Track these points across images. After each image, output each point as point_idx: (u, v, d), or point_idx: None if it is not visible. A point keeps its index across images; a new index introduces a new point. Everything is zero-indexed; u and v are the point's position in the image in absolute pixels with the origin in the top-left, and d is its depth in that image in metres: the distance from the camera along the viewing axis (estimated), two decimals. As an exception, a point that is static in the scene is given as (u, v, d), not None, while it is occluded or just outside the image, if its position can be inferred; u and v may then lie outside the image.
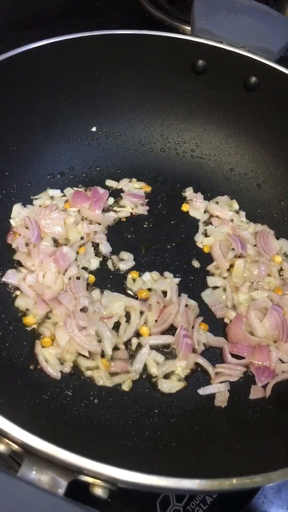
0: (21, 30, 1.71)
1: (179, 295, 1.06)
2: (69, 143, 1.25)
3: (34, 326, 0.99)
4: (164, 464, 0.79)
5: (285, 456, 0.72)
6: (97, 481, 0.61)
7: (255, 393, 0.95)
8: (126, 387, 0.94)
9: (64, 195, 1.20)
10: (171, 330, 1.02)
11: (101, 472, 0.59)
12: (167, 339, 0.99)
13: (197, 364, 0.98)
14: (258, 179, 1.27)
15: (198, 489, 0.60)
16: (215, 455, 0.82)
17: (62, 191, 1.20)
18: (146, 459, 0.80)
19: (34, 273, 1.04)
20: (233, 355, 1.00)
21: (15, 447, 0.62)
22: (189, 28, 1.47)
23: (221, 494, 0.91)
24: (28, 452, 0.61)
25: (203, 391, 0.95)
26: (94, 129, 1.28)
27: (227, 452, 0.82)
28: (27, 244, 1.07)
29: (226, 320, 1.05)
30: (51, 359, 0.94)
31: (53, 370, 0.92)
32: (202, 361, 0.98)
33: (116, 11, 1.87)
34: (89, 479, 0.61)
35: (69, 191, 1.21)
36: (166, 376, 0.97)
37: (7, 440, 0.62)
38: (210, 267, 1.13)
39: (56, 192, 1.19)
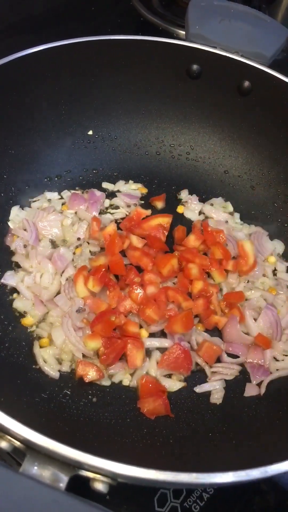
0: (17, 34, 1.73)
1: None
2: (66, 146, 1.26)
3: (33, 326, 1.01)
4: (161, 459, 0.81)
5: (279, 450, 0.74)
6: (98, 476, 0.63)
7: (250, 390, 0.97)
8: (126, 382, 0.96)
9: (61, 198, 1.22)
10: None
11: (101, 467, 0.61)
12: (164, 342, 1.01)
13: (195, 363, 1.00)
14: (252, 181, 1.29)
15: (195, 482, 0.62)
16: (211, 451, 0.84)
17: (59, 194, 1.22)
18: (144, 456, 0.81)
19: (32, 274, 1.06)
20: (229, 354, 1.02)
21: (17, 443, 0.64)
22: (183, 32, 1.49)
23: (217, 490, 0.92)
24: (30, 448, 0.63)
25: (199, 388, 0.97)
26: (90, 132, 1.30)
27: (223, 448, 0.84)
28: (25, 246, 1.08)
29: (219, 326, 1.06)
30: (49, 359, 0.96)
31: (51, 369, 0.94)
32: (200, 361, 1.00)
33: (111, 15, 1.89)
34: (90, 474, 0.63)
35: (66, 193, 1.22)
36: (167, 375, 0.99)
37: (9, 437, 0.64)
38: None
39: (53, 195, 1.21)
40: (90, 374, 0.93)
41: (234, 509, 0.93)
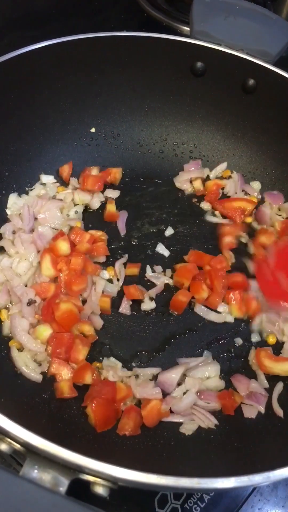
0: (19, 30, 1.71)
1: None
2: (68, 144, 1.25)
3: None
4: (162, 462, 0.80)
5: (282, 455, 0.73)
6: (98, 480, 0.62)
7: (248, 412, 0.91)
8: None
9: (57, 182, 1.21)
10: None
11: (102, 471, 0.60)
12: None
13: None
14: (256, 180, 1.28)
15: (197, 488, 0.61)
16: (213, 454, 0.84)
17: (55, 178, 1.21)
18: (145, 458, 0.81)
19: (12, 258, 1.03)
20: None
21: (17, 446, 0.63)
22: (187, 28, 1.47)
23: (218, 492, 0.92)
24: (30, 451, 0.62)
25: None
26: (93, 130, 1.29)
27: (225, 451, 0.84)
28: (14, 232, 1.07)
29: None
30: (28, 362, 0.91)
31: (33, 372, 0.90)
32: None
33: (114, 11, 1.87)
34: (90, 478, 0.62)
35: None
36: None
37: (9, 440, 0.63)
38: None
39: (49, 178, 1.20)
40: (64, 374, 0.89)
41: (234, 511, 0.93)
